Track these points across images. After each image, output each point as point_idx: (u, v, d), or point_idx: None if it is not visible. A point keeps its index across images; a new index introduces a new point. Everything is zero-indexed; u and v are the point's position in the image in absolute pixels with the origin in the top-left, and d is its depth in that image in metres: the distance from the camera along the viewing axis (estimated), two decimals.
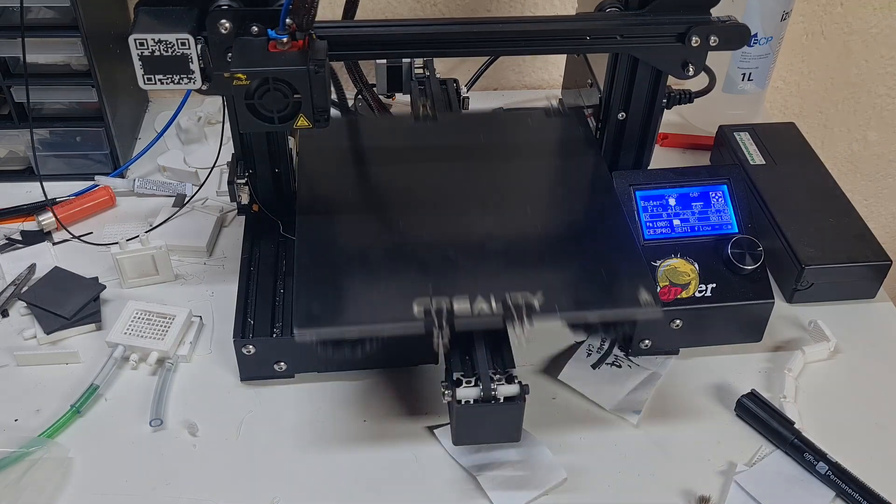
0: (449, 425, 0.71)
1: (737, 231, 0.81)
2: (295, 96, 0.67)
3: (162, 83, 0.70)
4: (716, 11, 0.76)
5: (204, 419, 0.74)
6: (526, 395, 0.66)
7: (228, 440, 0.73)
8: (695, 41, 0.76)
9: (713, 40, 0.76)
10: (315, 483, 0.70)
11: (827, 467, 0.70)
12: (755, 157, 0.96)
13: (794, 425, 0.73)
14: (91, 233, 0.92)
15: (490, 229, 0.76)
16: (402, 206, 0.79)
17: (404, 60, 0.98)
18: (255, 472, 0.71)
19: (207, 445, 0.72)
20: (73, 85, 0.94)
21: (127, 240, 0.85)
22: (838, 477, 0.69)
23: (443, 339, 0.66)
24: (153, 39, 0.68)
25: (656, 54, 0.78)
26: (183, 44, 0.68)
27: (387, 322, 0.67)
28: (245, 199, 0.83)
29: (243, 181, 0.82)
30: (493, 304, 0.66)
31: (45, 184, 0.94)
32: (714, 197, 0.82)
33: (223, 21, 0.69)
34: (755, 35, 1.01)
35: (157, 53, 0.68)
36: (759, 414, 0.74)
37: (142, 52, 0.68)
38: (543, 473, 0.70)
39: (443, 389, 0.67)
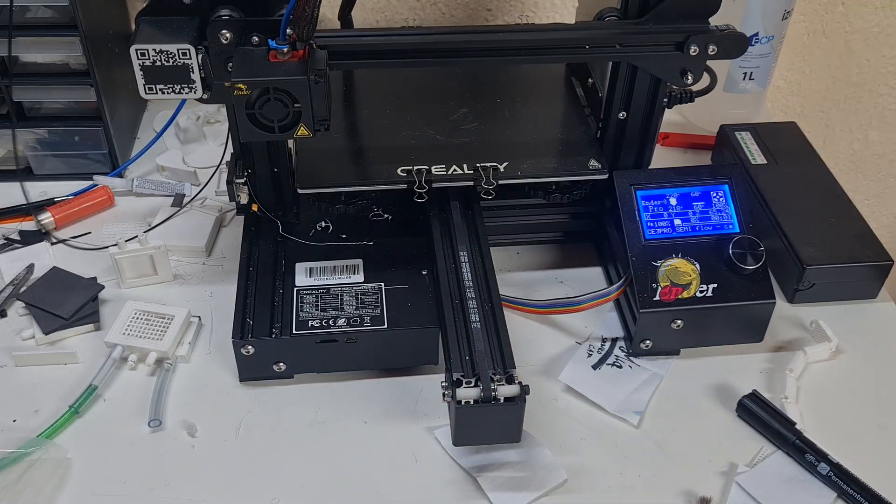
0: (449, 426, 0.71)
1: (738, 231, 0.80)
2: (295, 106, 0.67)
3: (163, 92, 0.71)
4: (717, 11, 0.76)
5: (203, 420, 0.74)
6: (526, 396, 0.66)
7: (227, 441, 0.73)
8: (693, 50, 0.75)
9: (712, 49, 0.75)
10: (315, 483, 0.70)
11: (828, 468, 0.70)
12: (756, 156, 0.96)
13: (796, 426, 0.73)
14: (89, 232, 0.92)
15: (467, 117, 0.89)
16: (392, 99, 0.92)
17: None
18: (255, 472, 0.70)
19: (206, 446, 0.72)
20: (71, 84, 0.94)
21: (126, 240, 0.85)
22: (840, 478, 0.69)
23: (422, 190, 0.80)
24: (154, 50, 0.68)
25: (655, 63, 0.78)
26: (184, 54, 0.68)
27: (375, 180, 0.81)
28: (244, 199, 0.83)
29: (242, 181, 0.82)
30: (465, 169, 0.81)
31: (44, 183, 0.95)
32: (715, 196, 0.82)
33: (224, 31, 0.69)
34: (756, 34, 1.01)
35: (158, 63, 0.69)
36: (760, 414, 0.74)
37: (143, 62, 0.69)
38: (544, 474, 0.70)
39: (443, 390, 0.67)
